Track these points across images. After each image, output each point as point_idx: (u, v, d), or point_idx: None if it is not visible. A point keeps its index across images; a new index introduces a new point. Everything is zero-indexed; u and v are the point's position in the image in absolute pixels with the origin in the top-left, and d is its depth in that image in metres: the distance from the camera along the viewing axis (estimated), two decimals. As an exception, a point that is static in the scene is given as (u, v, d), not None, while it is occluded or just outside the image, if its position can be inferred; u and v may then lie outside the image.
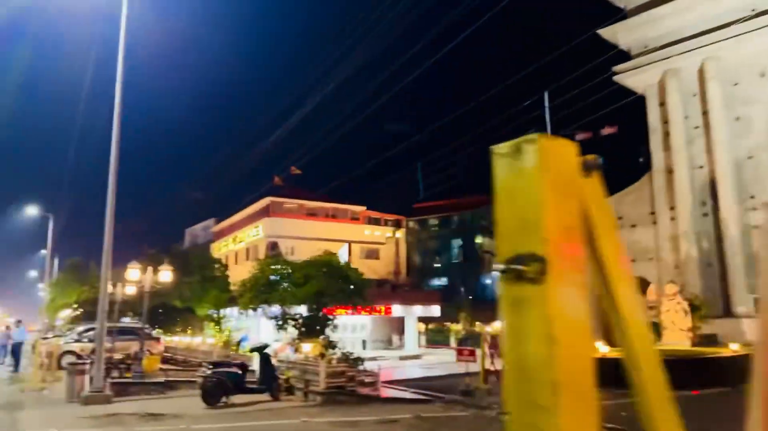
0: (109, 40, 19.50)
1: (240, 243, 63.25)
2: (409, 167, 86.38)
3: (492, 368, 18.26)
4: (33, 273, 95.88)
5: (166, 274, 21.49)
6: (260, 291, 21.95)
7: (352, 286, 21.22)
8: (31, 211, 48.93)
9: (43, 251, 63.81)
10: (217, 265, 39.04)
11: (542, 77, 30.56)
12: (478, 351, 19.01)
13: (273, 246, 53.90)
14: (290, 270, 22.27)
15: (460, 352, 19.88)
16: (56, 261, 56.13)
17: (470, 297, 58.24)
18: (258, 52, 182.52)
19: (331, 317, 21.86)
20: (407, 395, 19.33)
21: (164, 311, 39.00)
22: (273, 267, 22.90)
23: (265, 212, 59.15)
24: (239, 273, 51.90)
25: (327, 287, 20.86)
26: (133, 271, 20.88)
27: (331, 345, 20.93)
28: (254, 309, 22.53)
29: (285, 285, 21.85)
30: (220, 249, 66.14)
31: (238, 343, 33.60)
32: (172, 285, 26.89)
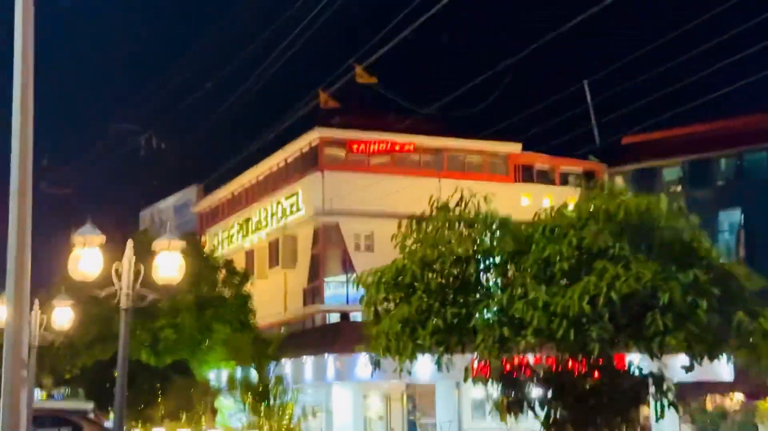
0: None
1: (258, 234, 36.40)
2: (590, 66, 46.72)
3: None
4: None
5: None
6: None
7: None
8: None
9: None
10: (224, 274, 21.98)
11: None
12: None
13: (328, 236, 32.18)
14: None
15: None
16: None
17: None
18: None
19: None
20: None
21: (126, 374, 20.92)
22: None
23: (308, 163, 33.91)
24: (263, 292, 31.08)
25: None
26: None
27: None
28: (411, 358, 9.42)
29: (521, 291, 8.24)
30: (214, 246, 38.47)
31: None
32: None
